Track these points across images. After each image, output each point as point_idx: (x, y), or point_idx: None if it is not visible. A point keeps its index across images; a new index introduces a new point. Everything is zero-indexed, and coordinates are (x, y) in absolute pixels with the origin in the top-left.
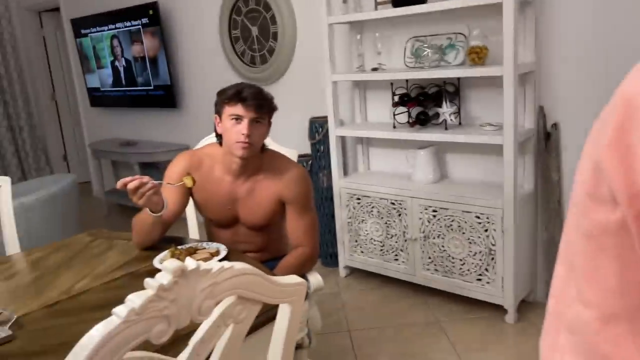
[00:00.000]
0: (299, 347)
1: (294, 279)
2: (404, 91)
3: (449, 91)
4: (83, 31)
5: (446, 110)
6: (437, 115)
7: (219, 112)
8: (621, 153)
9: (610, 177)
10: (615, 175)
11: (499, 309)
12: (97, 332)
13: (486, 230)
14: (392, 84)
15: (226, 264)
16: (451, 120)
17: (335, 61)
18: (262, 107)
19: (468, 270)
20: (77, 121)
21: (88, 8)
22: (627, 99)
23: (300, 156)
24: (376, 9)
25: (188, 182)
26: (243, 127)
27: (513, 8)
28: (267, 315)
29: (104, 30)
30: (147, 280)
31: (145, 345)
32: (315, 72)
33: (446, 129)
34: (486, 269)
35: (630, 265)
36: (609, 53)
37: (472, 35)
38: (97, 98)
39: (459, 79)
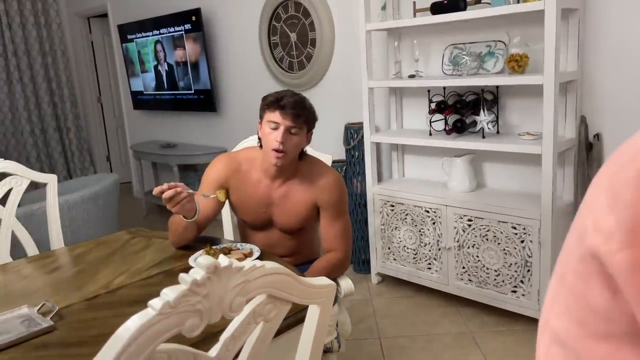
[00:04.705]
0: (328, 350)
1: (324, 280)
2: (441, 98)
3: (487, 99)
4: (129, 36)
5: (484, 118)
6: (475, 123)
7: (261, 116)
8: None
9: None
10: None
11: (534, 322)
12: (133, 323)
13: (522, 242)
14: (429, 91)
15: (258, 262)
16: (489, 128)
17: (372, 67)
18: (298, 117)
19: (503, 281)
20: (120, 123)
21: (134, 14)
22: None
23: (334, 161)
24: (415, 16)
25: (221, 196)
26: (278, 134)
27: (555, 15)
28: (296, 317)
29: (148, 36)
30: (182, 276)
31: (179, 340)
32: (352, 78)
33: (483, 137)
34: (521, 281)
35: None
36: None
37: (512, 42)
38: (140, 101)
39: (497, 87)
